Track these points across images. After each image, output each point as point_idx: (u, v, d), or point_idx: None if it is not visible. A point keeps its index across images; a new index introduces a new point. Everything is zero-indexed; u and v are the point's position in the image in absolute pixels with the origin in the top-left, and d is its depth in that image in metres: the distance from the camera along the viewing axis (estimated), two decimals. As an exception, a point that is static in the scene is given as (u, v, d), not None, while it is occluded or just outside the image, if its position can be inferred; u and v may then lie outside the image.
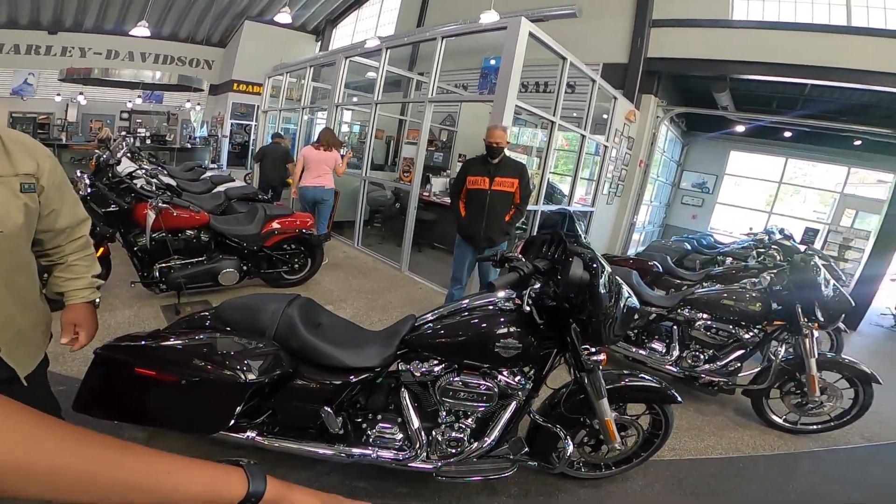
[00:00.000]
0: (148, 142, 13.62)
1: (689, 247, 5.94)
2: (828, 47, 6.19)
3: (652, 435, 2.14)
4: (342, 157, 5.66)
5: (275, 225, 4.13)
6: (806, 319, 2.73)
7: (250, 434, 1.74)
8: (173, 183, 5.62)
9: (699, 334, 3.07)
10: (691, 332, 3.11)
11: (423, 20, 11.34)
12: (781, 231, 5.98)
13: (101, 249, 3.44)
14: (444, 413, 1.79)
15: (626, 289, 1.59)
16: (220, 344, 1.62)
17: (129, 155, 5.54)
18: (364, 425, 1.81)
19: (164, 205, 3.57)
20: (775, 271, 2.98)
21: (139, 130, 14.45)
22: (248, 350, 1.63)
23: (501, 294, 1.69)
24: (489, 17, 5.88)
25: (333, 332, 1.87)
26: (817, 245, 9.28)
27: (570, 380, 1.89)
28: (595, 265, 1.49)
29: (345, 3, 15.43)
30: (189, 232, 3.82)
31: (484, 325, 1.69)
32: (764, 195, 11.26)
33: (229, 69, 15.70)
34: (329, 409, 1.72)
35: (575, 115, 6.28)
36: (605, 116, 6.74)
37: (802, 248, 4.14)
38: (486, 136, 3.58)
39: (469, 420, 1.79)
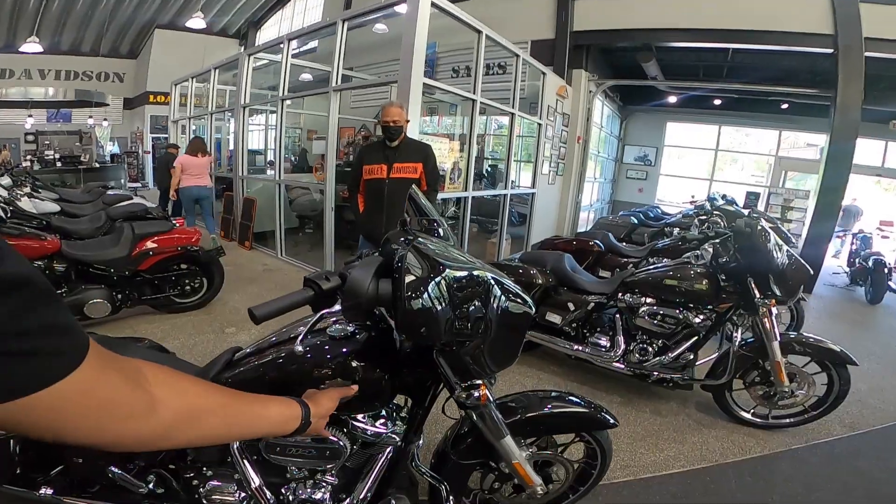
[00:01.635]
0: (59, 164, 12.44)
1: (635, 220, 5.69)
2: (747, 10, 6.11)
3: (588, 465, 1.68)
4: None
5: (148, 244, 3.45)
6: (761, 295, 2.34)
7: (45, 490, 1.30)
8: (54, 207, 4.92)
9: (644, 322, 2.64)
10: (636, 321, 2.68)
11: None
12: (724, 196, 5.82)
13: None
14: (295, 471, 1.26)
15: (500, 293, 1.04)
16: None
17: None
18: (195, 482, 1.30)
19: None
20: (718, 240, 2.58)
21: (46, 153, 13.08)
22: None
23: (332, 318, 1.15)
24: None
25: None
26: (760, 208, 9.37)
27: (459, 418, 1.40)
28: (414, 268, 0.96)
29: (266, 5, 14.66)
30: (37, 263, 3.12)
31: (301, 363, 1.15)
32: (704, 164, 11.45)
33: (143, 81, 14.64)
34: (116, 470, 1.25)
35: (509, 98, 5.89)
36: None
37: (746, 211, 3.86)
38: (382, 115, 3.12)
39: (328, 476, 1.26)
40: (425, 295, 0.90)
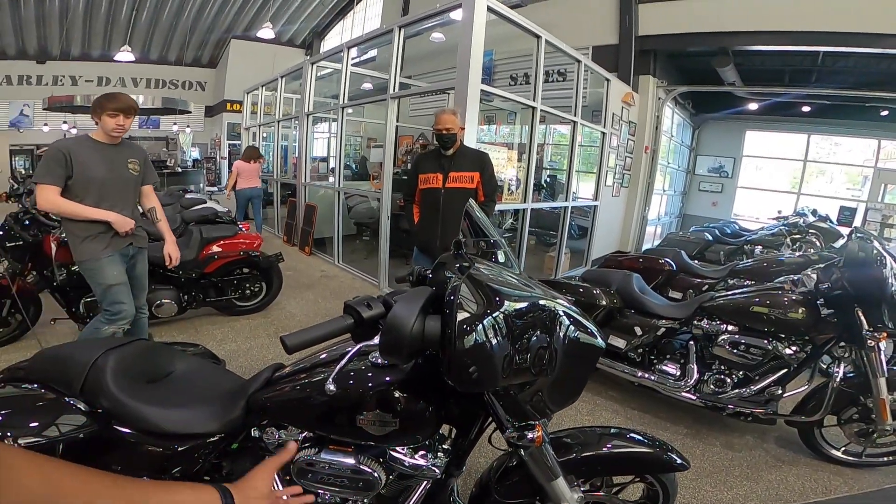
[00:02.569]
0: None
1: (710, 237, 5.25)
2: (837, 11, 5.54)
3: (647, 504, 1.48)
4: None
5: (214, 248, 3.60)
6: (870, 328, 2.02)
7: None
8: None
9: (723, 352, 2.36)
10: (713, 350, 2.40)
11: (406, 21, 10.91)
12: (815, 212, 5.25)
13: (17, 285, 3.02)
14: (326, 494, 1.18)
15: (569, 323, 0.89)
16: None
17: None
18: None
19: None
20: (822, 265, 2.25)
21: None
22: (25, 408, 1.29)
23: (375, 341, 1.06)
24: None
25: (177, 385, 1.38)
26: (857, 224, 8.41)
27: (506, 451, 1.26)
28: (467, 303, 0.82)
29: (329, 15, 15.30)
30: (114, 263, 3.32)
31: (341, 389, 1.06)
32: (789, 176, 10.43)
33: (221, 89, 15.68)
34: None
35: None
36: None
37: (844, 229, 3.40)
38: (435, 124, 3.03)
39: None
40: (479, 328, 0.78)
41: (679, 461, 1.33)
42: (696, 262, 4.21)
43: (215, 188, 14.49)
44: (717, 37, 6.53)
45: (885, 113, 8.22)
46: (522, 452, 1.11)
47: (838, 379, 2.13)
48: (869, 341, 2.01)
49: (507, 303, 0.80)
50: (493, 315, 0.79)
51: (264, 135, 9.32)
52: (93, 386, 1.29)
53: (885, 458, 2.24)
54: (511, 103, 5.24)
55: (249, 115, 9.36)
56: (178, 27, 14.08)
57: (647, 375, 2.59)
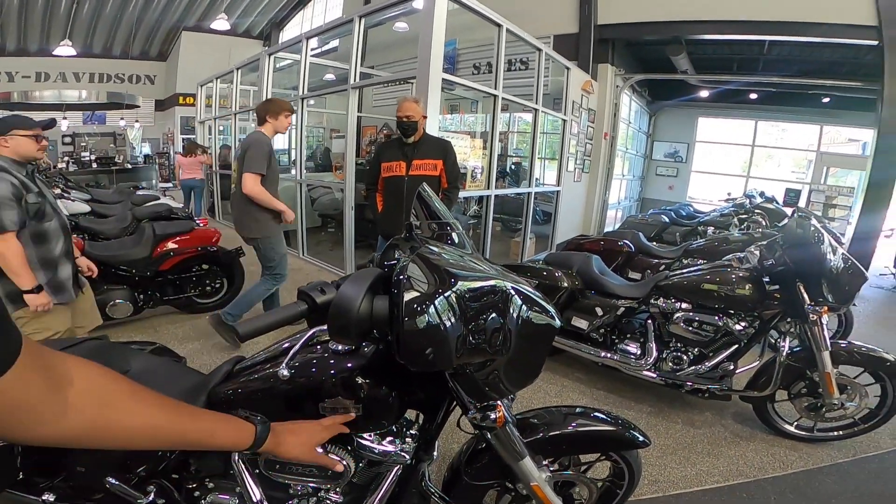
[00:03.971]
0: (94, 165, 12.82)
1: (666, 219, 5.43)
2: (782, 1, 5.80)
3: (613, 485, 1.54)
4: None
5: (169, 245, 3.47)
6: (812, 302, 2.14)
7: (47, 497, 1.29)
8: (84, 207, 5.04)
9: (679, 329, 2.46)
10: (669, 328, 2.51)
11: (368, 13, 10.69)
12: (762, 194, 5.52)
13: None
14: (298, 487, 1.17)
15: (521, 302, 0.90)
16: None
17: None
18: (196, 493, 1.26)
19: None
20: (765, 242, 2.38)
21: (83, 154, 13.54)
22: None
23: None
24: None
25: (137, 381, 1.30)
26: (801, 205, 8.92)
27: (475, 434, 1.28)
28: (417, 280, 0.82)
29: (288, 6, 14.84)
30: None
31: (301, 377, 1.05)
32: (739, 160, 10.97)
33: (173, 83, 14.96)
34: (113, 480, 1.21)
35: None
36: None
37: (788, 210, 3.60)
38: (397, 111, 3.04)
39: (332, 494, 1.17)
40: (431, 309, 0.78)
41: (641, 438, 1.38)
42: (653, 243, 4.37)
43: (169, 184, 13.90)
44: (670, 26, 6.72)
45: (826, 100, 8.70)
46: (489, 435, 1.13)
47: (784, 353, 2.24)
48: (811, 315, 2.13)
49: (459, 283, 0.81)
50: (445, 295, 0.79)
51: (220, 128, 8.98)
52: None
53: (836, 433, 2.37)
54: (474, 92, 5.24)
55: (204, 108, 8.97)
56: (124, 19, 13.30)
57: (609, 355, 2.68)
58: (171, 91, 15.06)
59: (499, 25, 4.47)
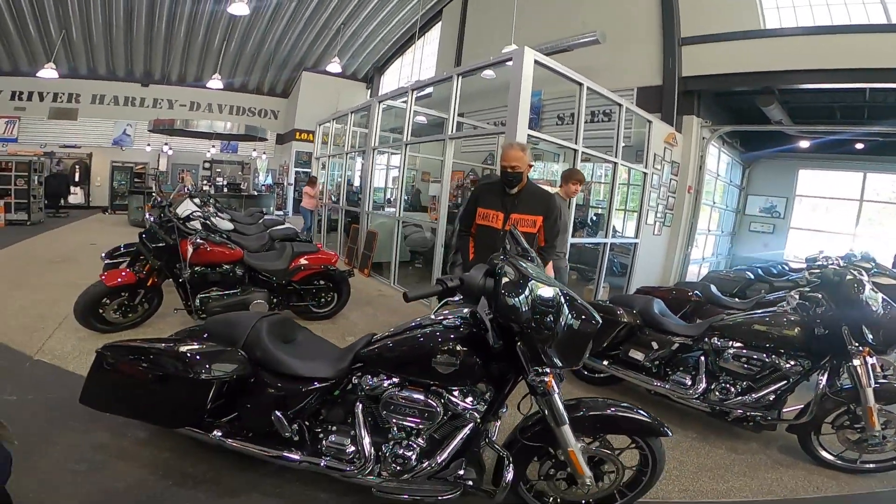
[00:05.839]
0: (225, 189, 14.67)
1: (752, 275, 5.40)
2: (878, 47, 5.70)
3: (640, 472, 1.93)
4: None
5: (301, 261, 4.36)
6: (856, 344, 2.37)
7: (217, 433, 1.92)
8: (230, 226, 6.25)
9: (729, 364, 2.74)
10: (720, 363, 2.79)
11: (460, 60, 11.85)
12: (866, 254, 5.31)
13: (152, 280, 3.94)
14: (395, 430, 1.75)
15: (569, 311, 1.46)
16: (191, 348, 1.89)
17: (194, 200, 6.18)
18: (320, 435, 1.88)
19: (201, 241, 3.90)
20: (807, 289, 2.64)
21: (218, 179, 15.78)
22: (212, 354, 1.88)
23: (446, 311, 1.69)
24: (509, 50, 6.03)
25: (301, 347, 2.04)
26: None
27: (531, 414, 1.79)
28: (510, 275, 1.42)
29: (389, 51, 16.57)
30: (225, 266, 4.13)
31: (422, 340, 1.67)
32: (847, 216, 10.06)
33: (292, 118, 17.03)
34: (279, 414, 1.84)
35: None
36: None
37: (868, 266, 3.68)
38: (501, 159, 2.92)
39: (420, 439, 1.74)
40: (517, 298, 1.37)
41: (664, 429, 1.81)
42: (736, 298, 4.47)
43: (281, 212, 15.55)
44: (759, 76, 6.74)
45: None
46: (538, 399, 1.64)
47: (822, 386, 2.48)
48: (855, 357, 2.36)
49: (532, 281, 1.39)
50: (523, 286, 1.38)
51: (322, 163, 10.30)
52: (253, 341, 1.95)
53: (873, 465, 2.51)
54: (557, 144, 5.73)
55: (320, 144, 10.44)
56: (260, 58, 15.65)
57: (661, 384, 2.99)
58: (290, 126, 17.21)
59: (580, 84, 4.99)
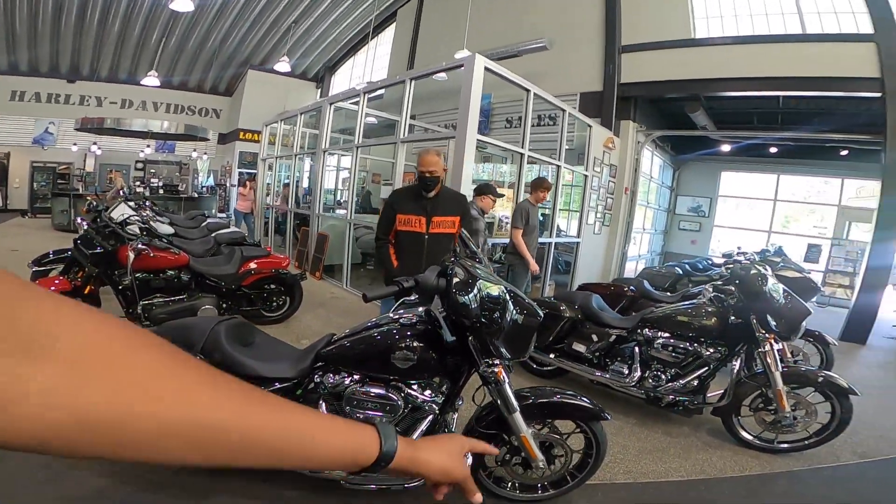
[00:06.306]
0: (161, 191, 13.94)
1: (680, 271, 5.89)
2: (793, 56, 6.28)
3: (586, 455, 2.13)
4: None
5: (251, 265, 4.29)
6: (763, 331, 2.69)
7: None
8: (170, 230, 5.99)
9: (659, 353, 3.03)
10: (651, 353, 3.07)
11: (413, 63, 11.90)
12: (778, 249, 5.92)
13: (89, 287, 3.73)
14: (365, 414, 1.85)
15: (514, 307, 1.62)
16: None
17: (129, 203, 5.87)
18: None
19: (143, 247, 3.76)
20: (719, 282, 2.98)
21: (152, 180, 14.72)
22: None
23: (402, 310, 1.81)
24: (461, 56, 6.20)
25: (261, 349, 2.07)
26: (823, 260, 9.20)
27: (485, 405, 1.94)
28: (460, 276, 1.55)
29: (341, 52, 16.23)
30: (170, 272, 4.00)
31: (381, 338, 1.78)
32: (765, 214, 11.15)
33: (236, 118, 16.22)
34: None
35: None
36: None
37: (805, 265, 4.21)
38: (419, 164, 2.97)
39: None
40: (467, 296, 1.50)
41: (604, 414, 2.00)
42: (667, 292, 4.87)
43: (223, 215, 14.98)
44: (688, 84, 7.26)
45: (844, 153, 8.83)
46: (491, 389, 1.78)
47: (735, 371, 2.80)
48: (762, 342, 2.69)
49: (480, 281, 1.53)
50: (472, 286, 1.51)
51: (269, 164, 9.95)
52: (212, 345, 1.96)
53: (787, 445, 2.83)
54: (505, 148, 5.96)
55: (267, 145, 10.15)
56: (202, 55, 14.84)
57: (602, 374, 3.25)
58: (233, 126, 16.40)
59: (527, 90, 5.25)
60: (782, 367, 2.71)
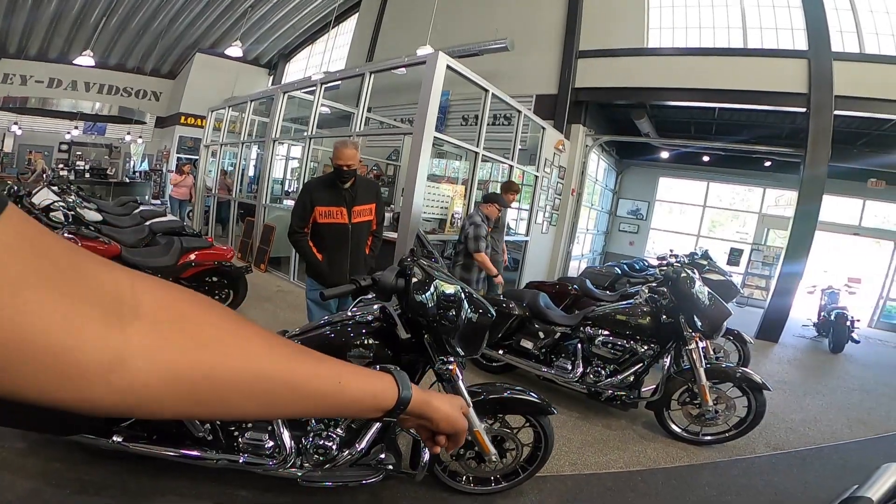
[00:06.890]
0: (87, 175, 13.08)
1: (619, 271, 6.20)
2: (730, 70, 6.68)
3: (535, 449, 2.22)
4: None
5: (191, 257, 4.07)
6: (690, 330, 2.92)
7: (116, 438, 1.80)
8: (98, 216, 5.54)
9: (599, 350, 3.20)
10: (592, 349, 3.24)
11: (372, 55, 11.68)
12: (705, 253, 6.39)
13: None
14: (314, 422, 1.83)
15: (468, 305, 1.66)
16: None
17: (53, 188, 5.38)
18: (235, 433, 1.88)
19: (70, 236, 3.48)
20: (654, 283, 3.20)
21: (78, 163, 13.85)
22: None
23: (355, 309, 1.80)
24: (423, 52, 6.18)
25: None
26: (743, 263, 10.01)
27: None
28: (418, 276, 1.58)
29: (298, 39, 15.65)
30: (99, 266, 3.71)
31: (335, 336, 1.77)
32: (695, 219, 11.98)
33: (177, 101, 15.40)
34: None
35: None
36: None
37: (728, 268, 4.53)
38: (335, 157, 2.88)
39: (338, 429, 1.83)
40: (424, 295, 1.52)
41: (550, 408, 2.10)
42: (608, 292, 5.14)
43: (158, 201, 14.18)
44: (635, 91, 7.63)
45: (768, 164, 9.57)
46: (445, 385, 1.82)
47: (665, 367, 3.03)
48: (689, 340, 2.91)
49: (436, 281, 1.55)
50: (430, 285, 1.53)
51: (212, 151, 9.53)
52: None
53: (710, 437, 3.06)
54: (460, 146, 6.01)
55: (212, 131, 9.63)
56: (146, 35, 13.92)
57: (548, 370, 3.39)
58: (174, 110, 15.49)
59: (486, 91, 5.31)
60: (706, 364, 2.96)
